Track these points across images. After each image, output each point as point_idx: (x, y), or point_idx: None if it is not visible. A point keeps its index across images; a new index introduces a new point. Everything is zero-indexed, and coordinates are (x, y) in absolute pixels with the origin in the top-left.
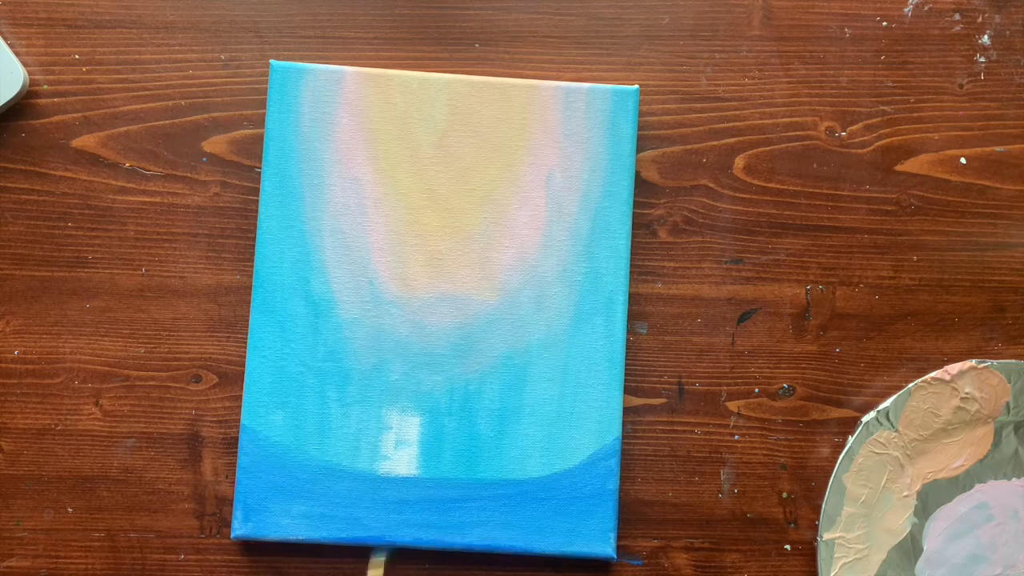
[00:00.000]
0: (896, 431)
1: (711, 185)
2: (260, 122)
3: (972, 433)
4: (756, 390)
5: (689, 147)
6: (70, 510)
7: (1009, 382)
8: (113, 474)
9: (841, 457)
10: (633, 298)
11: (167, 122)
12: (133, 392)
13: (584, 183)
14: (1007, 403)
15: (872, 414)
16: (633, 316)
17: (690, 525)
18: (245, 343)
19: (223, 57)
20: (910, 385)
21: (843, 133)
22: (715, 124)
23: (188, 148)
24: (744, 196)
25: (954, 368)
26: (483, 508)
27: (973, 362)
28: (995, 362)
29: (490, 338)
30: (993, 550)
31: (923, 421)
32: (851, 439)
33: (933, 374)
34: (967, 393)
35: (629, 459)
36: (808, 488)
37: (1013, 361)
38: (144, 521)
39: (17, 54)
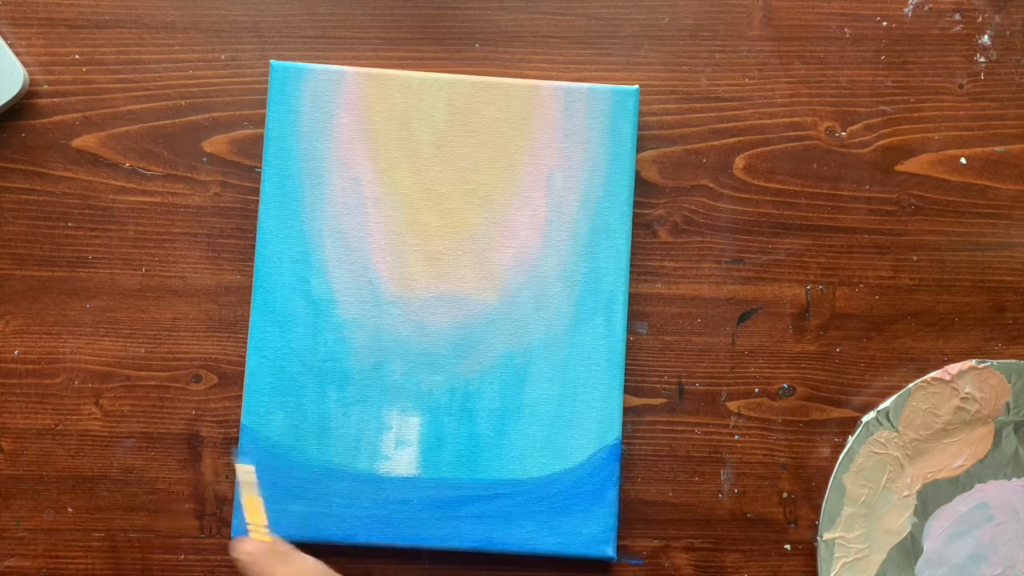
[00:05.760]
0: (896, 431)
1: (711, 185)
2: (260, 122)
3: (972, 433)
4: (756, 390)
5: (689, 147)
6: (70, 510)
7: (1009, 382)
8: (113, 474)
9: (841, 457)
10: (633, 298)
11: (167, 122)
12: (133, 392)
13: (584, 183)
14: (1007, 403)
15: (872, 414)
16: (633, 316)
17: (690, 525)
18: (245, 343)
19: (223, 57)
20: (910, 385)
21: (843, 133)
22: (715, 124)
23: (188, 148)
24: (744, 196)
25: (954, 368)
26: (483, 508)
27: (973, 362)
28: (995, 362)
29: (490, 338)
30: (993, 550)
31: (923, 421)
32: (851, 439)
33: (933, 374)
34: (967, 393)
35: (629, 459)
36: (808, 488)
37: (1013, 361)
38: (144, 521)
39: (17, 54)
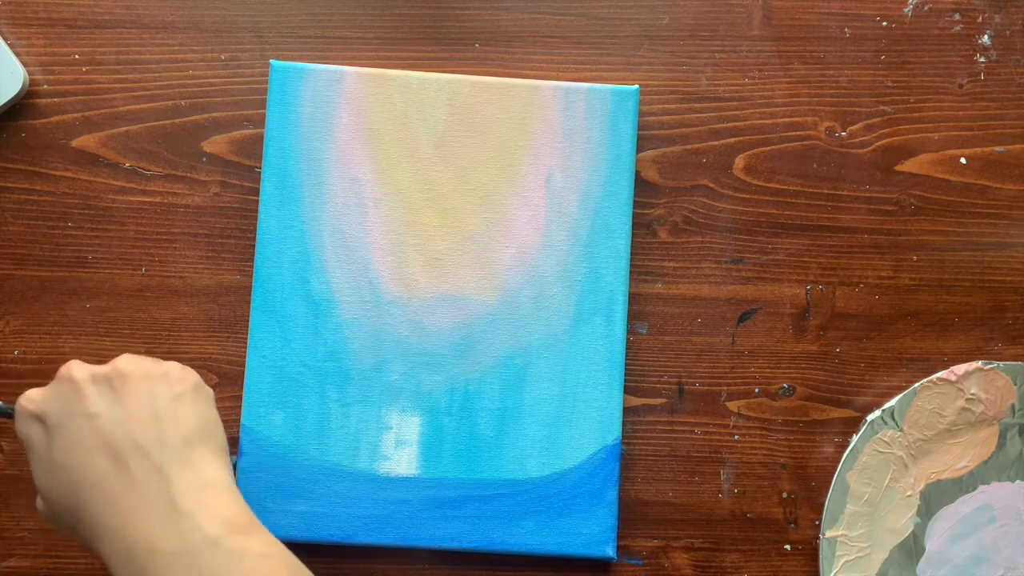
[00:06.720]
0: (901, 430)
1: (711, 185)
2: (260, 122)
3: (977, 434)
4: (756, 390)
5: (689, 147)
6: None
7: (1015, 384)
8: None
9: (845, 455)
10: (633, 298)
11: (167, 122)
12: None
13: (584, 183)
14: (1012, 405)
15: (877, 413)
16: (633, 316)
17: (690, 525)
18: (245, 343)
19: (223, 57)
20: (916, 385)
21: (843, 133)
22: (715, 124)
23: (188, 148)
24: (744, 196)
25: (960, 369)
26: (483, 508)
27: (979, 363)
28: (1001, 364)
29: (490, 338)
30: (995, 552)
31: (928, 421)
32: (855, 437)
33: (939, 374)
34: (972, 394)
35: (629, 459)
36: (808, 488)
37: (1020, 363)
38: None
39: (17, 54)
